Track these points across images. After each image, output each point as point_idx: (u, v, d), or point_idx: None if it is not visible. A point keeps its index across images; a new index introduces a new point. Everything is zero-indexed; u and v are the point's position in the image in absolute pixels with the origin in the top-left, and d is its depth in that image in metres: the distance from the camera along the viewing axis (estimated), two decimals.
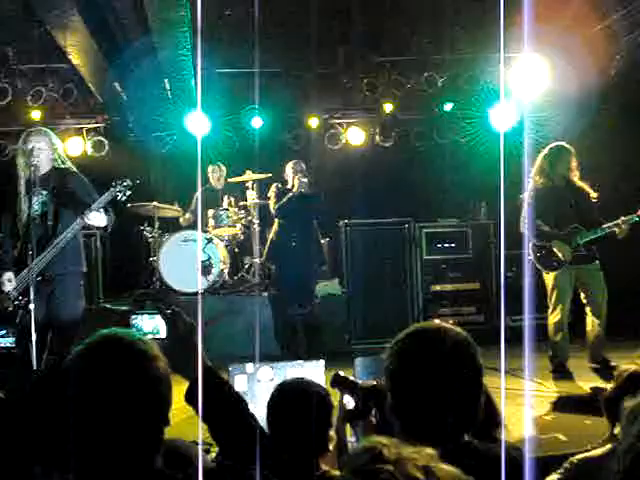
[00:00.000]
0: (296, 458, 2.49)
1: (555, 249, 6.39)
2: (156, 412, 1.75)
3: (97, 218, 5.30)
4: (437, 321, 2.17)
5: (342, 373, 2.79)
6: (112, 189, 5.40)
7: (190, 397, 2.08)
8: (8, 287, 5.27)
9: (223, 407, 2.11)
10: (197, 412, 2.06)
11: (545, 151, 6.54)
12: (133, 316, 2.42)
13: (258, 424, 2.17)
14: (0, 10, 7.03)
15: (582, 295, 6.53)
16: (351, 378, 2.76)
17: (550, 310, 6.51)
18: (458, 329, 2.00)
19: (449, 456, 1.38)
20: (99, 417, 1.68)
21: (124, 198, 5.50)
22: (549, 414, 5.37)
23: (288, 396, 2.66)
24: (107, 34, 7.07)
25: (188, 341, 2.14)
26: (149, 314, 2.35)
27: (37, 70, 8.57)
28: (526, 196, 6.50)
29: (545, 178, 6.50)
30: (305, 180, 7.35)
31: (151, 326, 2.19)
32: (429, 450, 1.33)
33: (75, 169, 5.67)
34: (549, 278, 6.49)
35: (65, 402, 1.72)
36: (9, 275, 5.29)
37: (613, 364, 6.48)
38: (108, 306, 8.13)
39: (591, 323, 6.50)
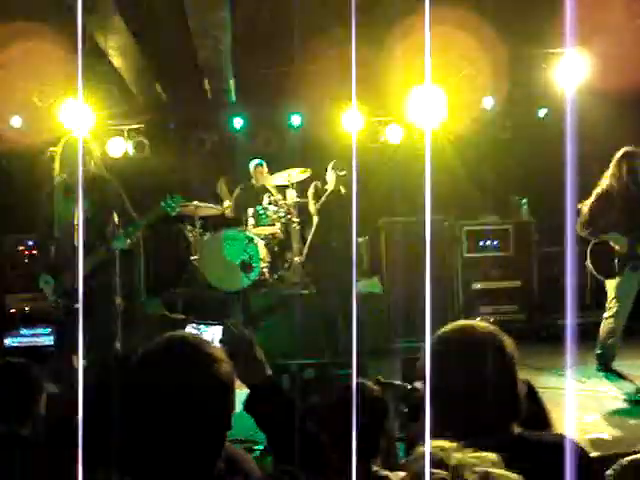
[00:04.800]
0: (349, 461, 2.45)
1: (612, 242, 6.22)
2: (220, 415, 1.73)
3: (122, 245, 5.44)
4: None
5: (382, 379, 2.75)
6: (161, 205, 5.48)
7: (250, 407, 2.09)
8: (46, 289, 5.40)
9: (281, 415, 2.09)
10: (256, 421, 2.07)
11: (620, 154, 6.34)
12: (189, 325, 2.43)
13: (315, 430, 2.16)
14: (40, 14, 7.13)
15: None
16: (396, 382, 2.73)
17: (607, 314, 6.38)
18: (484, 324, 2.07)
19: (504, 448, 1.40)
20: (163, 418, 1.67)
21: (174, 214, 5.59)
22: (593, 414, 5.31)
23: (345, 398, 2.58)
24: (148, 36, 7.14)
25: (247, 352, 2.13)
26: (206, 324, 2.37)
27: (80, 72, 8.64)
28: (593, 196, 6.32)
29: (618, 181, 6.30)
30: (342, 178, 7.38)
31: (208, 337, 2.21)
32: (492, 455, 1.32)
33: (109, 177, 5.71)
34: (612, 285, 6.33)
35: (129, 402, 1.72)
36: (46, 277, 5.41)
37: None
38: (167, 314, 8.20)
39: None
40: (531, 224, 8.77)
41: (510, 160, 9.51)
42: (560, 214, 6.49)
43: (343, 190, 7.40)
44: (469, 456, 1.30)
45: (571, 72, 8.15)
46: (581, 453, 1.97)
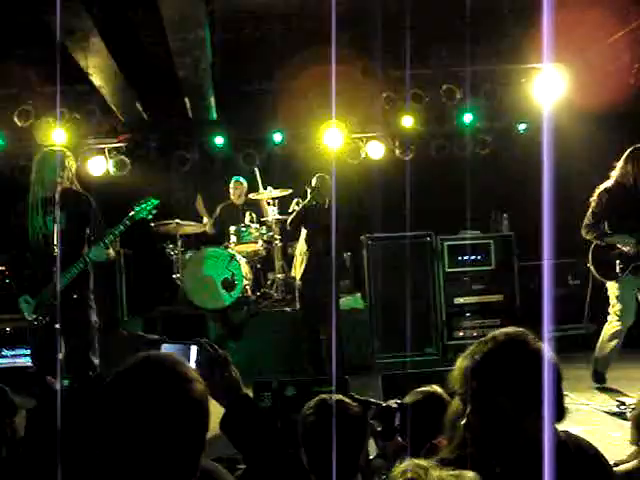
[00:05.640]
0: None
1: (619, 243, 6.21)
2: (194, 435, 1.71)
3: (100, 255, 5.39)
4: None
5: (356, 395, 2.73)
6: (132, 213, 5.45)
7: (226, 425, 2.09)
8: (24, 309, 5.36)
9: (257, 434, 2.10)
10: (232, 441, 2.07)
11: (630, 150, 6.32)
12: (164, 345, 2.41)
13: (291, 450, 2.15)
14: (22, 33, 7.13)
15: None
16: (371, 400, 2.71)
17: (610, 319, 6.34)
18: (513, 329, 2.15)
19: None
20: (136, 439, 1.65)
21: (150, 217, 5.57)
22: (577, 426, 5.31)
23: (326, 417, 2.54)
24: (128, 55, 7.14)
25: (222, 372, 2.14)
26: (181, 344, 2.35)
27: (59, 91, 8.62)
28: (596, 193, 6.32)
29: (624, 179, 6.29)
30: (315, 192, 7.41)
31: (183, 357, 2.19)
32: (470, 474, 1.32)
33: (82, 190, 5.68)
34: (613, 287, 6.30)
35: (103, 422, 1.70)
36: (26, 297, 5.37)
37: None
38: (140, 333, 8.15)
39: None
40: (512, 237, 8.81)
41: (490, 174, 9.56)
42: (541, 227, 6.55)
43: (327, 202, 7.42)
44: (447, 474, 1.30)
45: (549, 87, 8.24)
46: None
